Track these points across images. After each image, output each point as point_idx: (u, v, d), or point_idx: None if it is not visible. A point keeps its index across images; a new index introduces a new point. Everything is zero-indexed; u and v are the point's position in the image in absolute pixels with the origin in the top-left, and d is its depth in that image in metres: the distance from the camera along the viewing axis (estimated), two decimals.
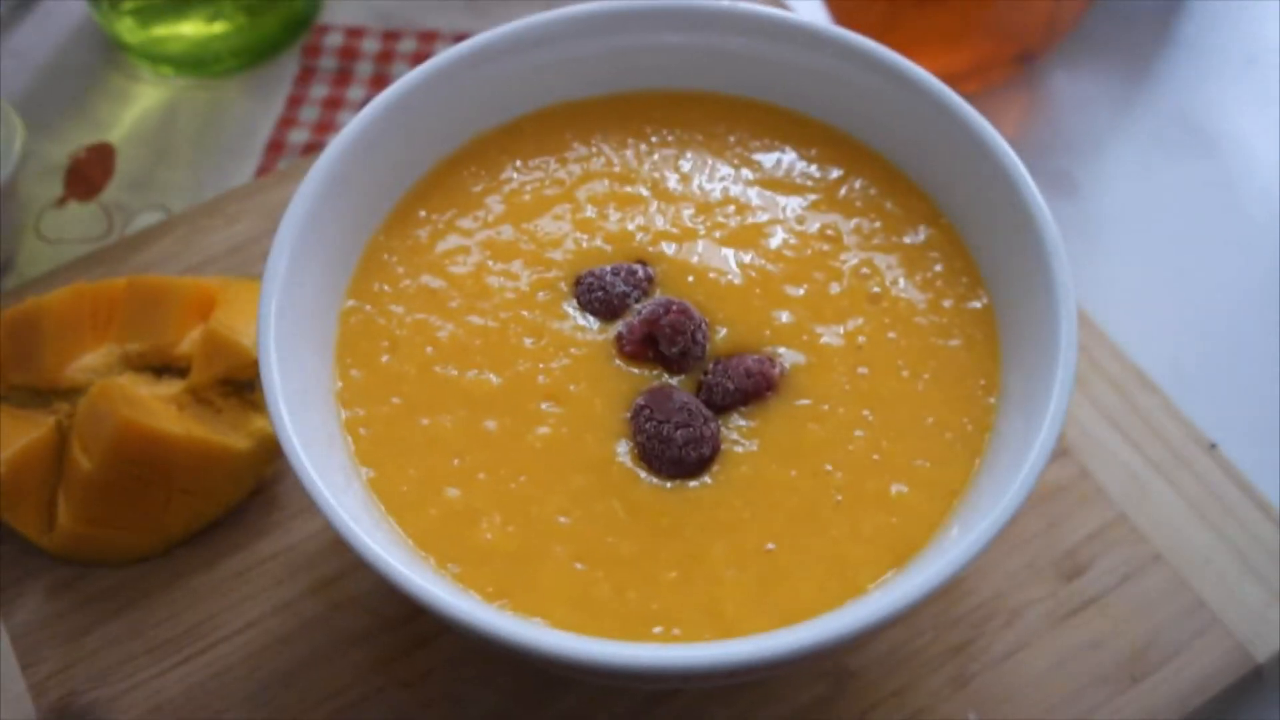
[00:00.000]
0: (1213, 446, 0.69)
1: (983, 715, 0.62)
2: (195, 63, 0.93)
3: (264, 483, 0.70)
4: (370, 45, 0.96)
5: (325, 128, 0.92)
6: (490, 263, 0.63)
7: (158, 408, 0.65)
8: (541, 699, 0.62)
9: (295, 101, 0.93)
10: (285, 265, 0.58)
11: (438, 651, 0.64)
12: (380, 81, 0.94)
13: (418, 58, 0.95)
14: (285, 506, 0.69)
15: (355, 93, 0.94)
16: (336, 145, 0.61)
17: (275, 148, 0.91)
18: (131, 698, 0.63)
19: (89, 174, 0.89)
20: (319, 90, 0.94)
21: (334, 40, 0.96)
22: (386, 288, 0.62)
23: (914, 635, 0.64)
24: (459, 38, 0.95)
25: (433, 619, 0.63)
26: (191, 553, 0.68)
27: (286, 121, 0.92)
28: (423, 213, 0.65)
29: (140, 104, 0.93)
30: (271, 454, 0.68)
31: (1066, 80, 0.94)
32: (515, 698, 0.62)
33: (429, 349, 0.60)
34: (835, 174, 0.65)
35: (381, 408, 0.59)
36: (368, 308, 0.62)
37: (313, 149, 0.90)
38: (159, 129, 0.92)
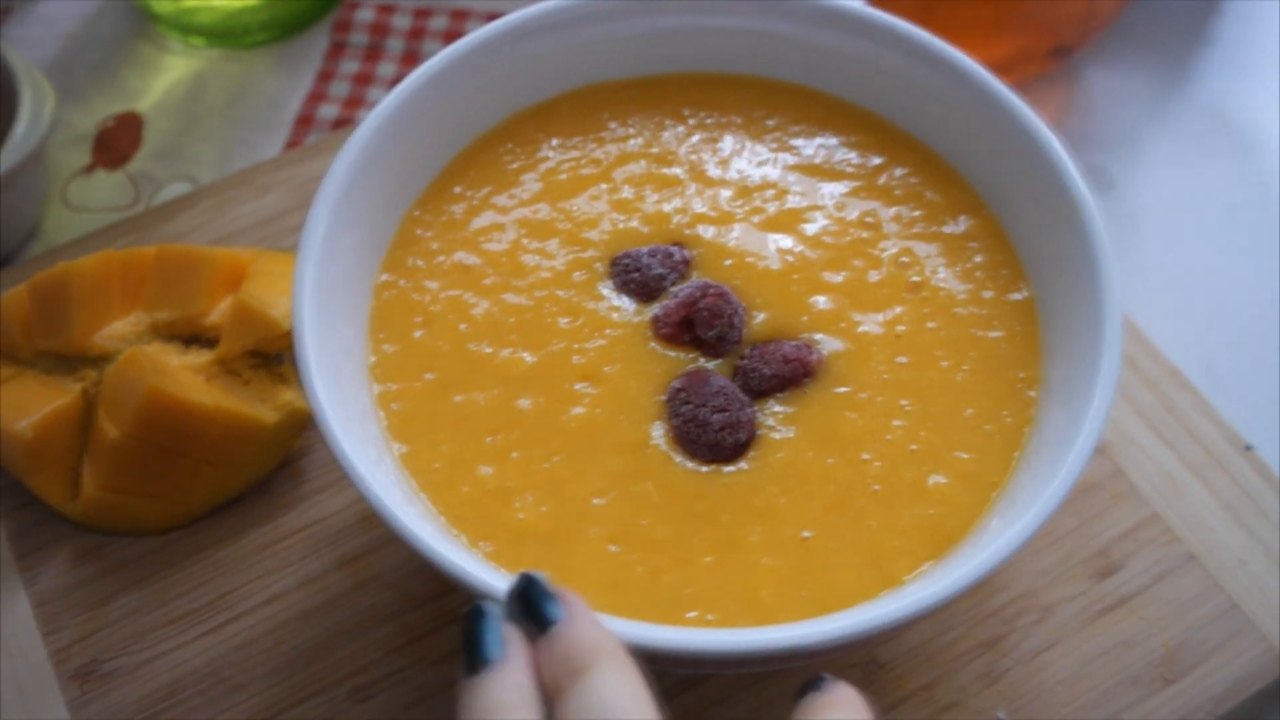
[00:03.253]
0: (1248, 448, 0.68)
1: (1012, 712, 0.61)
2: (226, 34, 0.92)
3: (290, 456, 0.69)
4: (401, 22, 0.95)
5: (355, 103, 0.91)
6: (526, 241, 0.62)
7: (186, 378, 0.65)
8: None
9: (325, 76, 0.93)
10: (321, 237, 0.57)
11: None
12: (411, 59, 0.93)
13: (449, 35, 0.94)
14: (311, 481, 0.69)
15: (386, 69, 0.93)
16: (374, 118, 0.60)
17: (304, 122, 0.90)
18: (153, 668, 0.63)
19: (117, 143, 0.89)
20: (349, 66, 0.93)
21: (365, 16, 0.95)
22: (420, 263, 0.62)
23: (945, 629, 0.63)
24: (491, 16, 0.94)
25: (463, 597, 0.62)
26: (215, 524, 0.67)
27: (316, 96, 0.91)
28: (458, 189, 0.64)
29: (169, 74, 0.92)
30: (298, 427, 0.68)
31: (1102, 76, 0.93)
32: None
33: (463, 325, 0.60)
34: (876, 161, 0.65)
35: (414, 383, 0.58)
36: (402, 282, 0.61)
37: (342, 124, 0.90)
38: (188, 100, 0.91)
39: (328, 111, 0.91)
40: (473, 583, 0.48)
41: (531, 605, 0.43)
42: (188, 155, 0.88)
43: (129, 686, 0.62)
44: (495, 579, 0.48)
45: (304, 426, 0.68)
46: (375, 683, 0.62)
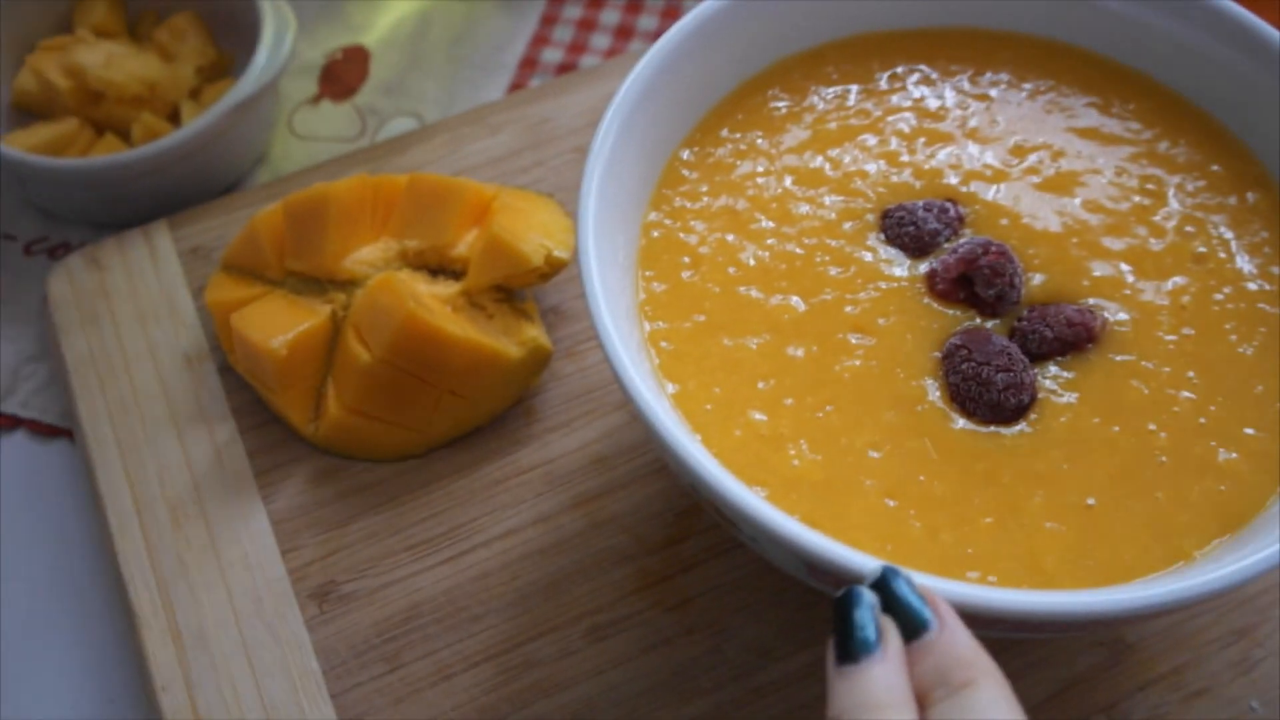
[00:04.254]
0: None
1: (1266, 704, 0.59)
2: None
3: (524, 395, 0.69)
4: None
5: (578, 48, 0.91)
6: (794, 188, 0.61)
7: (437, 306, 0.65)
8: (805, 636, 0.61)
9: (549, 20, 0.92)
10: (601, 170, 0.56)
11: (701, 579, 0.63)
12: (635, 8, 0.93)
13: None
14: (544, 420, 0.69)
15: (609, 16, 0.92)
16: (652, 55, 0.60)
17: (528, 65, 0.90)
18: (390, 592, 0.63)
19: (344, 75, 0.89)
20: (572, 11, 0.93)
21: None
22: (688, 204, 0.61)
23: (1196, 614, 0.61)
24: None
25: (699, 545, 0.63)
26: (450, 456, 0.67)
27: (539, 40, 0.91)
28: (725, 132, 0.63)
29: (395, 11, 0.93)
30: (539, 365, 0.67)
31: None
32: (780, 631, 0.61)
33: (731, 269, 0.59)
34: (1156, 129, 0.63)
35: (684, 324, 0.57)
36: (669, 222, 0.60)
37: (565, 69, 0.89)
38: (413, 37, 0.91)
39: (551, 56, 0.90)
40: (767, 523, 0.47)
41: (900, 602, 0.42)
42: (412, 91, 0.88)
43: (366, 609, 0.63)
44: (788, 521, 0.47)
45: (544, 364, 0.68)
46: (612, 623, 0.62)
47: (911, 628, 0.41)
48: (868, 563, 0.45)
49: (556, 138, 0.79)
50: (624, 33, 0.91)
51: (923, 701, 0.39)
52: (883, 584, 0.42)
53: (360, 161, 0.79)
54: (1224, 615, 0.61)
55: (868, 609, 0.41)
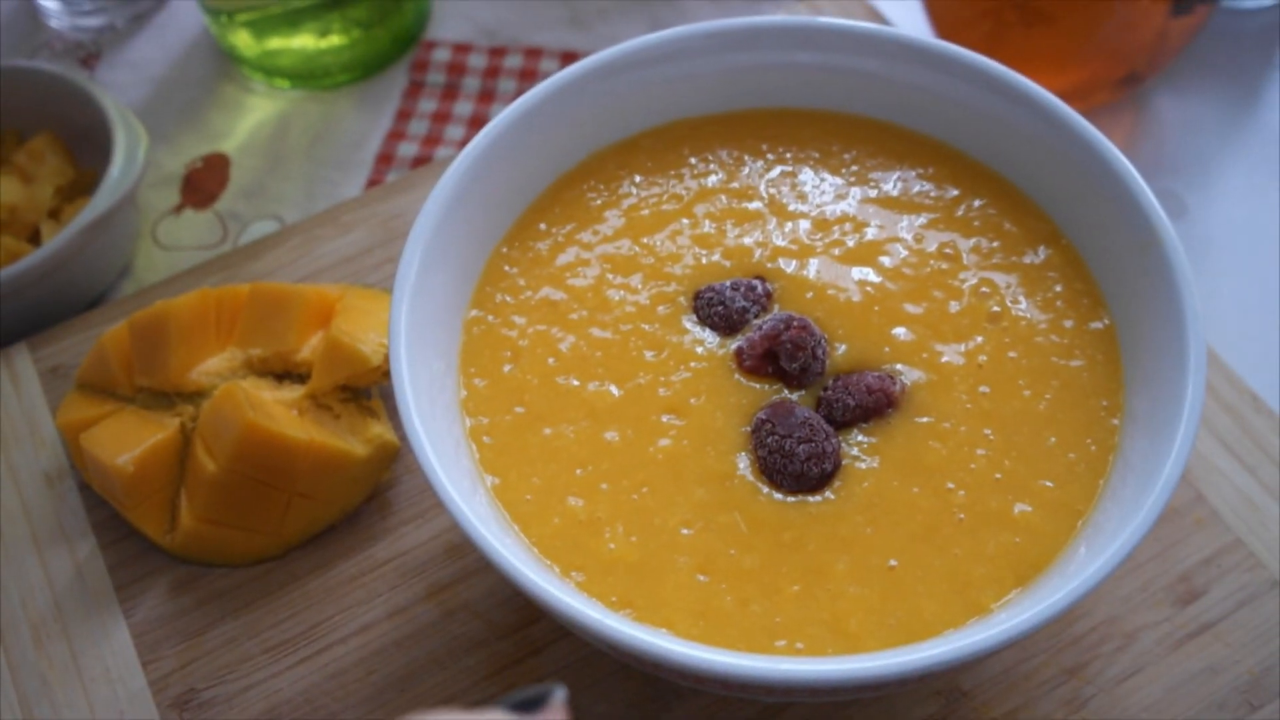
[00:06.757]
0: None
1: None
2: (308, 76, 0.95)
3: (377, 489, 0.71)
4: (477, 61, 0.97)
5: (433, 141, 0.93)
6: (610, 276, 0.64)
7: (280, 412, 0.67)
8: (653, 709, 0.63)
9: (404, 115, 0.95)
10: (414, 274, 0.59)
11: (550, 660, 0.64)
12: (487, 97, 0.95)
13: (523, 74, 0.96)
14: (398, 513, 0.70)
15: (463, 108, 0.95)
16: (464, 158, 0.62)
17: (385, 160, 0.92)
18: (249, 696, 0.64)
19: (204, 183, 0.91)
20: (427, 104, 0.95)
21: (441, 56, 0.97)
22: (508, 299, 0.63)
23: (1027, 656, 0.63)
24: (564, 54, 0.96)
25: (549, 626, 0.64)
26: (307, 556, 0.69)
27: (395, 135, 0.94)
28: (543, 226, 0.66)
29: (254, 116, 0.95)
30: (387, 460, 0.69)
31: (1173, 102, 0.93)
32: (628, 707, 0.63)
33: (550, 359, 0.61)
34: (953, 193, 0.65)
35: (505, 416, 0.59)
36: (490, 318, 0.62)
37: (422, 162, 0.92)
38: (272, 140, 0.93)
39: (407, 150, 0.93)
40: (569, 612, 0.49)
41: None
42: (273, 194, 0.90)
43: (226, 714, 0.64)
44: (585, 607, 0.49)
45: (392, 459, 0.70)
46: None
47: None
48: (655, 642, 0.47)
49: (406, 233, 0.81)
50: (477, 122, 0.94)
51: None
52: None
53: (218, 269, 0.81)
54: (1054, 656, 0.63)
55: None
